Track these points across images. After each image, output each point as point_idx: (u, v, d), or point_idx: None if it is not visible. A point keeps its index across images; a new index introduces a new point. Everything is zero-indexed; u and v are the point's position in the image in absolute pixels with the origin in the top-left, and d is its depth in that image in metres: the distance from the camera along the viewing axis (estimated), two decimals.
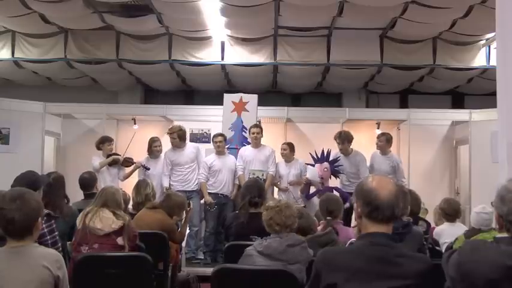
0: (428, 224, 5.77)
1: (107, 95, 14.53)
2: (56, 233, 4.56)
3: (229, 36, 11.79)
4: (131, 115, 11.57)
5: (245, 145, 9.19)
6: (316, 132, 11.30)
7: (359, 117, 11.61)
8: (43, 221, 4.13)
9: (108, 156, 8.90)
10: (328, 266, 2.65)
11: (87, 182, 6.76)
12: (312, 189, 8.65)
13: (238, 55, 12.11)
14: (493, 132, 8.74)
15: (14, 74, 13.54)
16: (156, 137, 9.15)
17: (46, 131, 11.19)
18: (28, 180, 4.65)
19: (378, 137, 9.03)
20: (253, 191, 5.73)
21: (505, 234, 2.60)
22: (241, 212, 5.64)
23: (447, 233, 5.88)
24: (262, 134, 8.90)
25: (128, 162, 9.02)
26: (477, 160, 10.66)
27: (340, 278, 2.56)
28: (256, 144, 8.86)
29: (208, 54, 12.16)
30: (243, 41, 11.99)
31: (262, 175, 8.52)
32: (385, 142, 8.86)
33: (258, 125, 9.03)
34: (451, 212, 6.17)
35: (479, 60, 11.96)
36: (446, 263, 2.63)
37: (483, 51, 11.87)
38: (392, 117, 11.75)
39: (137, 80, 14.49)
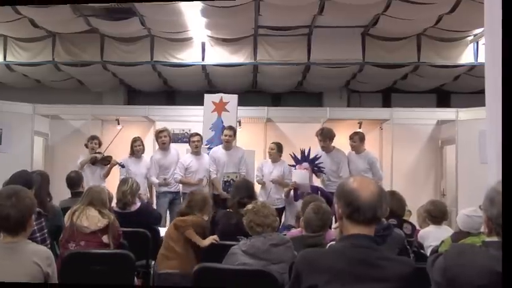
0: (413, 227, 5.63)
1: (92, 96, 15.04)
2: (45, 231, 4.70)
3: (210, 36, 11.90)
4: (115, 116, 11.76)
5: None
6: (297, 132, 11.19)
7: (340, 116, 11.50)
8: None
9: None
10: (308, 267, 2.59)
11: (74, 181, 7.01)
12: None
13: (218, 55, 12.24)
14: (481, 132, 8.56)
15: (5, 77, 14.00)
16: (138, 137, 9.28)
17: (35, 132, 11.61)
18: (24, 179, 4.84)
19: (351, 137, 8.84)
20: (242, 191, 5.90)
21: (494, 238, 2.51)
22: (231, 212, 5.79)
23: (433, 236, 5.69)
24: (235, 137, 8.91)
25: (105, 160, 9.18)
26: (464, 160, 10.47)
27: (321, 280, 2.50)
28: (228, 146, 8.80)
29: (189, 55, 12.37)
30: (223, 41, 12.08)
31: (236, 177, 8.48)
32: (358, 142, 8.73)
33: (232, 128, 8.96)
34: (437, 214, 5.98)
35: (466, 57, 11.90)
36: (431, 266, 2.59)
37: (471, 48, 11.80)
38: (375, 117, 11.64)
39: (120, 81, 14.76)
